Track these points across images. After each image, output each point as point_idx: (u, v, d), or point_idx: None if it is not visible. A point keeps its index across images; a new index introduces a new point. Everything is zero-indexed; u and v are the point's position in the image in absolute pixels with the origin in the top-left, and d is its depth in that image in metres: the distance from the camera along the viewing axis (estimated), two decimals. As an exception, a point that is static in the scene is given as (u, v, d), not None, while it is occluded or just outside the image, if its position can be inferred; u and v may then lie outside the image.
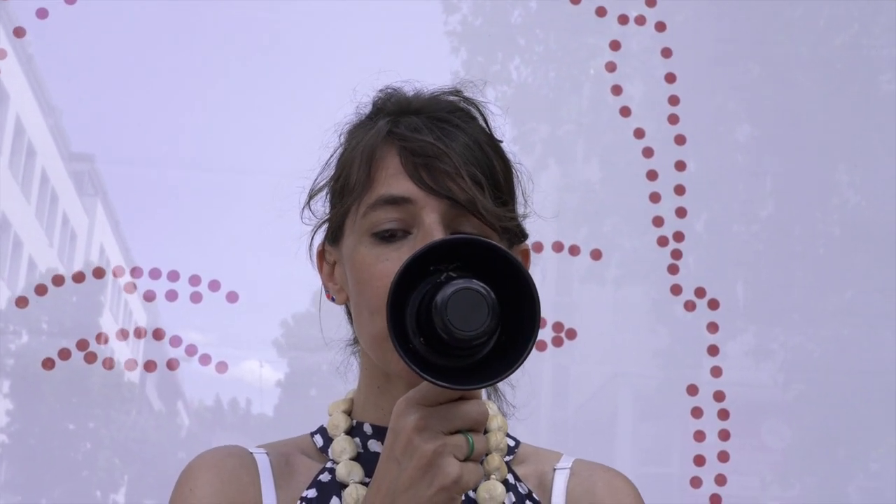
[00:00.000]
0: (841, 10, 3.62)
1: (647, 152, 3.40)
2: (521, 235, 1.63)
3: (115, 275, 3.31)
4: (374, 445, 1.61)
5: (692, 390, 3.30)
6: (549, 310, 3.18)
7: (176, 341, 3.27)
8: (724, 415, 3.28)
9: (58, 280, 3.32)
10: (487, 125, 1.63)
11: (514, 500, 1.59)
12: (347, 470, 1.59)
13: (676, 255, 3.34)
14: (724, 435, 3.27)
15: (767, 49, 3.52)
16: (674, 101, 3.42)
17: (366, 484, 1.57)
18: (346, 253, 1.60)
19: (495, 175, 1.56)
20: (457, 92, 1.64)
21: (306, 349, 3.44)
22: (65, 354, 3.25)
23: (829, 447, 3.37)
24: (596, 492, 1.63)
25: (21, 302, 3.29)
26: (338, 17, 3.48)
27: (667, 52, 3.45)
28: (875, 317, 3.37)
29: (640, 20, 3.44)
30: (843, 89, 3.52)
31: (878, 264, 3.38)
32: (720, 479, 3.25)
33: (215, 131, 3.42)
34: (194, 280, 3.30)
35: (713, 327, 3.32)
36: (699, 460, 3.27)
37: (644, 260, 3.36)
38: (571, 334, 3.30)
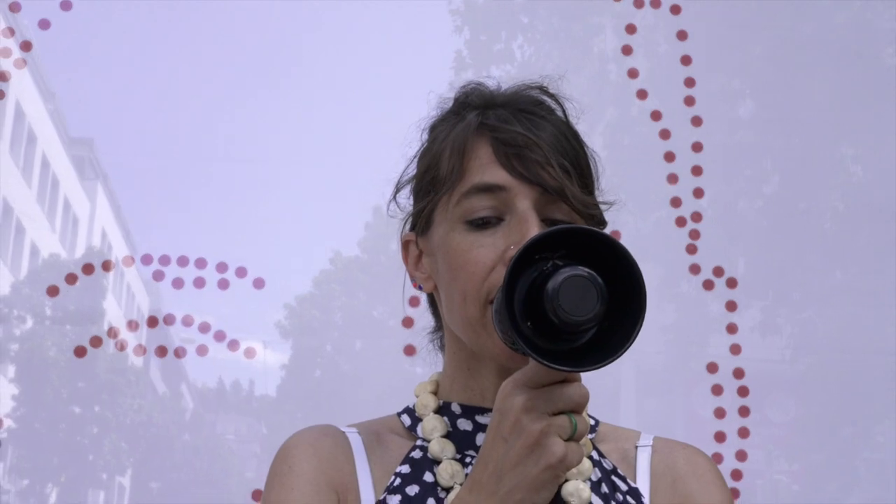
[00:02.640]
0: (844, -15, 3.64)
1: (665, 134, 3.41)
2: (603, 222, 1.66)
3: (111, 266, 3.31)
4: (463, 424, 1.65)
5: (712, 367, 3.33)
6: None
7: (179, 325, 3.27)
8: (743, 392, 3.30)
9: (69, 270, 3.32)
10: (566, 117, 1.67)
11: (599, 475, 1.63)
12: (441, 447, 1.63)
13: (695, 235, 3.35)
14: (744, 411, 3.29)
15: (773, 29, 3.54)
16: (690, 83, 3.44)
17: (458, 460, 1.62)
18: (437, 242, 1.63)
19: (581, 164, 1.61)
20: (536, 86, 1.68)
21: (309, 331, 3.44)
22: (82, 342, 3.25)
23: (835, 422, 3.40)
24: (677, 467, 1.67)
25: (52, 291, 3.29)
26: (342, -2, 3.48)
27: (682, 35, 3.46)
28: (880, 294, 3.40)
29: (656, 3, 3.46)
30: (846, 64, 3.54)
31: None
32: (741, 455, 3.28)
33: (213, 119, 3.42)
34: (200, 263, 3.30)
35: (731, 305, 3.34)
36: (720, 437, 3.30)
37: (662, 240, 3.38)
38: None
